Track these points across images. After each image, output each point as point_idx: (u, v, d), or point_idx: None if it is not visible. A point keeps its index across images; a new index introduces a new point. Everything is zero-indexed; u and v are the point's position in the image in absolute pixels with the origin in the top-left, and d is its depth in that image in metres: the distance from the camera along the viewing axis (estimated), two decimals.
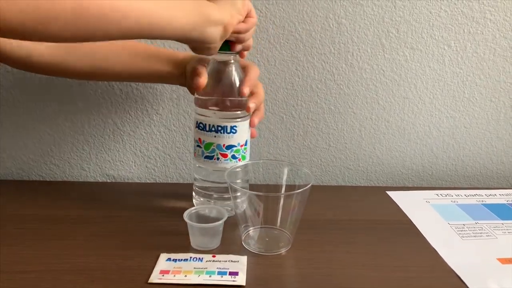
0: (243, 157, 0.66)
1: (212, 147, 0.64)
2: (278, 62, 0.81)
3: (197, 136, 0.65)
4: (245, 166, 0.66)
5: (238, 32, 0.59)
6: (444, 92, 0.85)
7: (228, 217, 0.60)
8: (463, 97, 0.85)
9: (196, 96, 0.65)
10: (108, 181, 0.86)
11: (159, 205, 0.73)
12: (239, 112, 0.64)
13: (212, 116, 0.64)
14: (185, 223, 0.59)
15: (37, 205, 0.71)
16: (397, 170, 0.89)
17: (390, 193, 0.80)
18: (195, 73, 0.63)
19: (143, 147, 0.85)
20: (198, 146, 0.66)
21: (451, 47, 0.82)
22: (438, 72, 0.83)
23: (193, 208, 0.62)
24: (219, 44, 0.58)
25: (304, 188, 0.57)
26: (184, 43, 0.58)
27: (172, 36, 0.54)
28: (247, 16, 0.61)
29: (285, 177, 0.64)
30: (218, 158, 0.64)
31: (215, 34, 0.56)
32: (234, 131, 0.63)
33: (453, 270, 0.57)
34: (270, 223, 0.60)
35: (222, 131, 0.63)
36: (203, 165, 0.66)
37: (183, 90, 0.82)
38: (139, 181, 0.87)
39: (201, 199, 0.68)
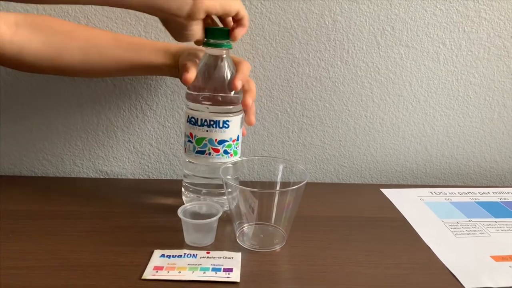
0: (235, 153, 0.66)
1: (204, 142, 0.63)
2: (273, 59, 0.81)
3: (188, 131, 0.65)
4: (236, 162, 0.65)
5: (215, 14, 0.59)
6: (438, 90, 0.85)
7: (222, 213, 0.60)
8: (458, 95, 0.85)
9: (188, 91, 0.65)
10: (102, 177, 0.86)
11: (152, 201, 0.72)
12: (231, 107, 0.64)
13: (204, 111, 0.63)
14: (179, 219, 0.59)
15: (29, 201, 0.71)
16: (391, 167, 0.90)
17: (384, 190, 0.80)
18: (184, 68, 0.63)
19: (137, 143, 0.84)
20: (189, 141, 0.65)
21: (446, 45, 0.82)
22: (433, 70, 0.84)
23: (187, 204, 0.62)
24: (192, 25, 0.58)
25: (299, 185, 0.57)
26: (151, 13, 0.57)
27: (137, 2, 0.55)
28: (238, 23, 0.61)
29: (280, 174, 0.64)
30: (210, 153, 0.64)
31: (182, 5, 0.55)
32: (226, 125, 0.63)
33: (446, 267, 0.57)
34: (265, 219, 0.60)
35: (214, 125, 0.63)
36: (194, 160, 0.65)
37: (177, 86, 0.81)
38: (132, 177, 0.86)
39: (191, 194, 0.67)
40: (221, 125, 0.63)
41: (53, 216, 0.66)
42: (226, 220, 0.61)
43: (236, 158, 0.66)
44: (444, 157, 0.89)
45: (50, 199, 0.71)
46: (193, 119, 0.64)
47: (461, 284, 0.54)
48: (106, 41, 0.67)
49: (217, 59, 0.64)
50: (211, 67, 0.64)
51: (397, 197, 0.78)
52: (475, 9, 0.81)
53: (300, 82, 0.83)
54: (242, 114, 0.65)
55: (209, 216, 0.59)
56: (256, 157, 0.82)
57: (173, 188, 0.76)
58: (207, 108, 0.63)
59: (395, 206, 0.74)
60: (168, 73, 0.70)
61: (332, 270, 0.56)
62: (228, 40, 0.62)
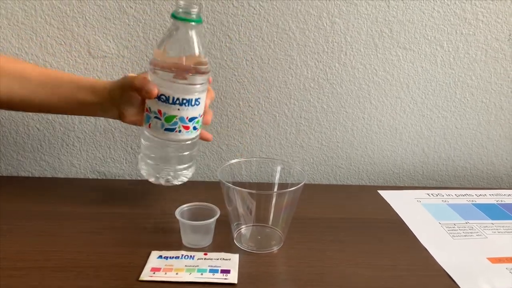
0: (200, 127, 0.65)
1: (175, 119, 0.61)
2: (272, 60, 0.81)
3: (156, 108, 0.60)
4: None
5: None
6: (436, 92, 0.85)
7: (220, 214, 0.60)
8: (455, 97, 0.86)
9: (156, 67, 0.60)
10: (99, 178, 0.86)
11: (150, 202, 0.72)
12: (203, 83, 0.61)
13: (176, 90, 0.60)
14: (177, 220, 0.59)
15: (26, 202, 0.71)
16: (389, 169, 0.90)
17: (381, 192, 0.80)
18: (141, 85, 0.59)
19: (134, 144, 0.84)
20: (156, 117, 0.61)
21: (444, 47, 0.83)
22: (430, 73, 0.84)
23: (184, 205, 0.62)
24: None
25: (297, 187, 0.57)
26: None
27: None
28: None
29: (277, 175, 0.64)
30: (180, 131, 0.62)
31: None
32: (198, 103, 0.61)
33: (443, 269, 0.57)
34: (262, 221, 0.60)
35: (187, 104, 0.60)
36: (162, 137, 0.62)
37: None
38: (130, 178, 0.86)
39: (146, 167, 0.66)
40: (193, 103, 0.61)
41: (51, 217, 0.66)
42: (224, 221, 0.61)
43: (237, 160, 0.65)
44: (441, 159, 0.90)
45: (47, 200, 0.71)
46: (163, 97, 0.60)
47: (458, 286, 0.54)
48: (33, 76, 0.64)
49: (185, 28, 0.59)
50: (180, 39, 0.60)
51: (394, 198, 0.78)
52: (472, 12, 0.81)
53: (298, 84, 0.83)
54: (207, 85, 0.63)
55: (207, 217, 0.59)
56: (254, 159, 0.82)
57: (170, 189, 0.76)
58: (181, 85, 0.60)
59: (392, 208, 0.74)
60: (100, 112, 0.66)
61: (329, 271, 0.56)
62: (197, 13, 0.59)
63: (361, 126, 0.86)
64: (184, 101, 0.60)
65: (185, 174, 0.66)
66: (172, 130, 0.61)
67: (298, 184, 0.57)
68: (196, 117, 0.62)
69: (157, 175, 0.65)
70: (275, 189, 0.63)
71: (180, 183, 0.66)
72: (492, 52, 0.83)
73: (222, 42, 0.79)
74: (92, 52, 0.79)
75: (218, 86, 0.82)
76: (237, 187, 0.57)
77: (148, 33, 0.78)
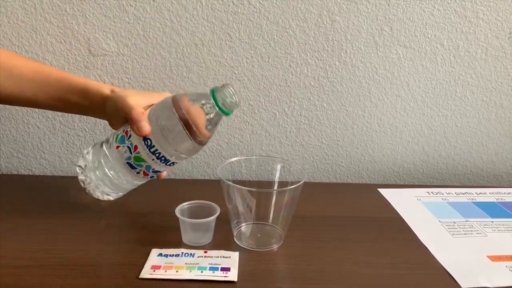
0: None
1: (143, 163, 0.59)
2: (272, 59, 0.81)
3: (135, 142, 0.58)
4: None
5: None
6: (436, 90, 0.85)
7: (220, 212, 0.60)
8: (455, 96, 0.86)
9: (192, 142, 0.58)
10: None
11: (150, 200, 0.72)
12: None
13: (165, 148, 0.58)
14: (177, 218, 0.59)
15: (27, 200, 0.71)
16: (389, 168, 0.90)
17: (381, 190, 0.80)
18: (138, 119, 0.57)
19: None
20: (129, 149, 0.58)
21: (444, 46, 0.82)
22: (430, 71, 0.84)
23: (184, 203, 0.62)
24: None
25: (297, 185, 0.57)
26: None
27: None
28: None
29: (277, 174, 0.64)
30: (138, 173, 0.60)
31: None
32: (172, 165, 0.60)
33: (443, 267, 0.57)
34: (262, 219, 0.60)
35: (163, 161, 0.59)
36: (119, 167, 0.60)
37: (176, 86, 0.81)
38: None
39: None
40: (169, 164, 0.60)
41: (51, 215, 0.66)
42: (224, 219, 0.61)
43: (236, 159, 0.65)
44: (441, 157, 0.90)
45: (47, 198, 0.71)
46: (148, 141, 0.57)
47: (457, 284, 0.54)
48: (24, 71, 0.63)
49: (219, 118, 0.59)
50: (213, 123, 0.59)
51: (395, 197, 0.78)
52: (472, 10, 0.81)
53: (298, 82, 0.83)
54: None
55: (207, 215, 0.59)
56: (254, 157, 0.82)
57: (170, 187, 0.76)
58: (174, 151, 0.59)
59: (392, 206, 0.74)
60: (89, 113, 0.65)
61: (329, 269, 0.56)
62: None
63: (361, 125, 0.86)
64: (163, 158, 0.59)
65: (107, 192, 0.63)
66: (133, 168, 0.60)
67: (298, 182, 0.57)
68: (159, 172, 0.62)
69: (86, 179, 0.62)
70: (275, 187, 0.63)
71: (97, 196, 0.63)
72: (492, 50, 0.83)
73: (222, 40, 0.79)
74: (92, 50, 0.79)
75: (218, 85, 0.82)
76: (237, 185, 0.57)
77: (148, 31, 0.78)
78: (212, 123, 0.58)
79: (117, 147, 0.60)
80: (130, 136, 0.58)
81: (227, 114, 0.58)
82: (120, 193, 0.65)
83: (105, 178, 0.61)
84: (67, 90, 0.62)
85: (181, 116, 0.56)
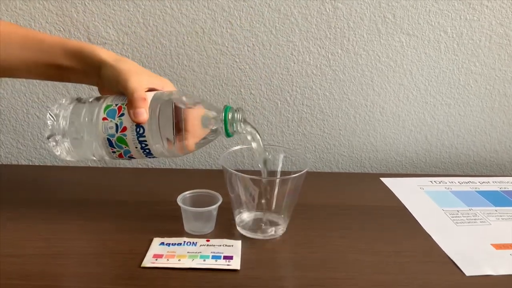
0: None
1: (124, 147, 0.55)
2: (273, 47, 0.80)
3: (126, 124, 0.54)
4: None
5: None
6: (439, 79, 0.84)
7: (221, 201, 0.59)
8: (458, 84, 0.85)
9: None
10: (100, 166, 0.85)
11: (152, 189, 0.72)
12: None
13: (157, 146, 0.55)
14: (179, 207, 0.58)
15: (27, 190, 0.70)
16: (391, 157, 0.89)
17: (384, 179, 0.80)
18: (137, 104, 0.53)
19: None
20: (115, 126, 0.54)
21: (447, 33, 0.81)
22: (433, 59, 0.83)
23: (186, 192, 0.61)
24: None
25: (300, 173, 0.56)
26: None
27: None
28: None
29: (280, 163, 0.64)
30: (114, 152, 0.56)
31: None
32: (151, 157, 0.58)
33: (447, 255, 0.57)
34: (265, 208, 0.60)
35: (147, 152, 0.56)
36: (98, 139, 0.55)
37: (176, 75, 0.81)
38: (131, 166, 0.86)
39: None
40: (149, 156, 0.57)
41: (51, 205, 0.65)
42: (226, 208, 0.61)
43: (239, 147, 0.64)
44: (444, 146, 0.89)
45: (47, 188, 0.71)
46: (141, 129, 0.54)
47: (462, 272, 0.53)
48: (13, 38, 0.59)
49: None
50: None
51: (397, 186, 0.77)
52: None
53: (300, 71, 0.82)
54: None
55: (209, 204, 0.59)
56: None
57: (172, 177, 0.76)
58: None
59: (395, 195, 0.74)
60: (81, 79, 0.61)
61: (332, 258, 0.56)
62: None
63: (363, 113, 0.85)
64: (147, 150, 0.55)
65: (67, 152, 0.58)
66: (111, 146, 0.55)
67: (301, 171, 0.57)
68: (134, 158, 0.58)
69: (54, 132, 0.57)
70: (278, 176, 0.62)
71: (56, 151, 0.58)
72: (496, 38, 0.82)
73: (223, 28, 0.78)
74: (91, 38, 0.78)
75: (219, 73, 0.81)
76: (240, 173, 0.56)
77: (148, 19, 0.77)
78: (205, 142, 0.57)
79: (104, 118, 0.55)
80: (122, 114, 0.54)
81: (229, 135, 0.56)
82: (77, 159, 0.60)
83: (75, 141, 0.57)
84: (60, 55, 0.58)
85: (178, 125, 0.54)
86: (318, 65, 0.82)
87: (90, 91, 0.79)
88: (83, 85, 0.79)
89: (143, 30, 0.78)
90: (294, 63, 0.81)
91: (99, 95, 0.59)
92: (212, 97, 0.83)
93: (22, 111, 0.82)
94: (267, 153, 0.59)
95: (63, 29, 0.77)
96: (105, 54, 0.57)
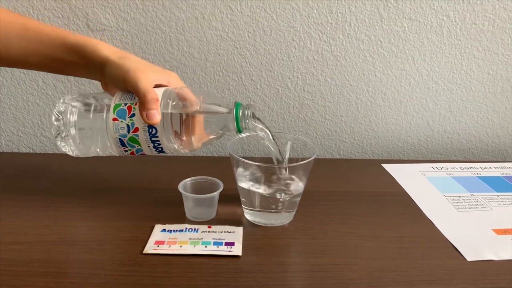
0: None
1: (136, 146, 0.55)
2: (274, 32, 0.79)
3: (137, 125, 0.54)
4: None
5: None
6: (441, 64, 0.83)
7: (223, 188, 0.59)
8: (461, 69, 0.84)
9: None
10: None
11: (153, 176, 0.72)
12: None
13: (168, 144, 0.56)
14: (180, 194, 0.58)
15: (28, 177, 0.70)
16: (393, 143, 0.89)
17: (385, 165, 0.80)
18: (150, 105, 0.52)
19: None
20: (126, 127, 0.54)
21: (450, 18, 0.80)
22: (436, 44, 0.82)
23: (188, 179, 0.61)
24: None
25: (308, 160, 0.56)
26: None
27: None
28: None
29: (288, 150, 0.63)
30: (126, 151, 0.56)
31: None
32: (164, 153, 0.57)
33: (448, 241, 0.57)
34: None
35: (159, 150, 0.56)
36: (105, 137, 0.56)
37: (175, 61, 0.80)
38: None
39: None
40: (161, 153, 0.57)
41: (53, 192, 0.65)
42: (227, 195, 0.61)
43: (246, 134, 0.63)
44: (446, 132, 0.89)
45: (49, 176, 0.71)
46: (153, 130, 0.54)
47: (463, 257, 0.54)
48: (12, 28, 0.57)
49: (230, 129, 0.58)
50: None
51: (399, 172, 0.77)
52: None
53: (301, 56, 0.81)
54: None
55: (210, 190, 0.59)
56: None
57: (173, 163, 0.76)
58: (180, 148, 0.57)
59: (396, 181, 0.74)
60: (83, 74, 0.59)
61: (334, 243, 0.56)
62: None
63: (365, 99, 0.85)
64: (160, 149, 0.56)
65: (73, 149, 0.59)
66: (123, 145, 0.56)
67: (309, 158, 0.56)
68: (145, 154, 0.58)
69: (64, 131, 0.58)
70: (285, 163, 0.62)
71: (62, 144, 0.59)
72: (499, 22, 0.81)
73: (224, 13, 0.78)
74: (90, 25, 0.77)
75: (220, 59, 0.80)
76: (246, 160, 0.56)
77: (147, 5, 0.76)
78: (217, 137, 0.58)
79: (114, 119, 0.54)
80: (133, 114, 0.54)
81: (240, 131, 0.56)
82: (87, 155, 0.60)
83: (83, 139, 0.57)
84: (60, 48, 0.57)
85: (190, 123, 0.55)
86: (320, 51, 0.81)
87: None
88: None
89: (143, 16, 0.77)
90: (295, 48, 0.81)
91: (101, 90, 0.59)
92: (213, 84, 0.82)
93: (22, 99, 0.81)
94: (281, 155, 0.59)
95: (61, 15, 0.76)
96: (108, 50, 0.56)
